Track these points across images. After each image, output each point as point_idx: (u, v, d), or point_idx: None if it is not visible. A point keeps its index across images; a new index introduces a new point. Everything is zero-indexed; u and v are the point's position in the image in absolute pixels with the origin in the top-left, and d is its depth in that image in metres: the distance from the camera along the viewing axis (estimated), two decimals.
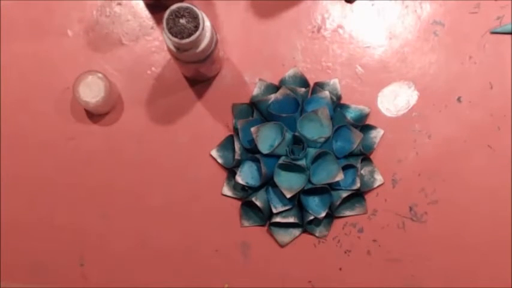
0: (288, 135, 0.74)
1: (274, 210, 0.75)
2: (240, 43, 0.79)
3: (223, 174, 0.78)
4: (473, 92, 0.78)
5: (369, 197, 0.78)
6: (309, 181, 0.74)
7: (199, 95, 0.79)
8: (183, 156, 0.78)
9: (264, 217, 0.77)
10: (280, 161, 0.74)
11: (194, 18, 0.63)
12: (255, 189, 0.76)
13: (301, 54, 0.79)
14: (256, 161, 0.75)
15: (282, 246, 0.78)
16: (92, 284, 0.78)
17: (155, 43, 0.79)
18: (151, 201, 0.78)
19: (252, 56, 0.79)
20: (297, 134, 0.74)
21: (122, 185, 0.78)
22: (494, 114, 0.78)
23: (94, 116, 0.78)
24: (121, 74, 0.79)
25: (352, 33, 0.79)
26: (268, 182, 0.76)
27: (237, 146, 0.76)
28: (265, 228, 0.78)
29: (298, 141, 0.74)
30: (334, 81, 0.78)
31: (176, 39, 0.63)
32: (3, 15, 0.79)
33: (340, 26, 0.79)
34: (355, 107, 0.78)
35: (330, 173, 0.73)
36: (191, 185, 0.78)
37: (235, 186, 0.77)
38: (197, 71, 0.74)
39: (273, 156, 0.74)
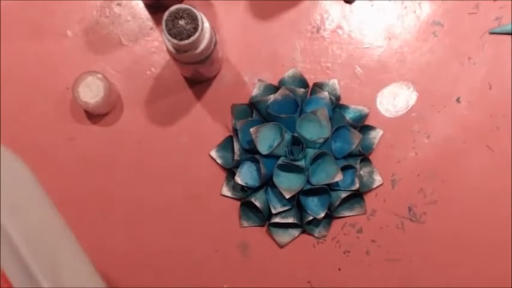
0: (287, 136, 0.74)
1: (274, 211, 0.75)
2: (239, 44, 0.79)
3: (222, 175, 0.78)
4: (472, 92, 0.78)
5: (368, 198, 0.78)
6: (308, 182, 0.74)
7: (199, 95, 0.79)
8: (183, 156, 0.78)
9: (263, 217, 0.77)
10: (279, 161, 0.74)
11: (193, 19, 0.63)
12: (254, 190, 0.76)
13: (301, 55, 0.79)
14: (256, 161, 0.75)
15: (281, 246, 0.78)
16: None
17: (155, 44, 0.79)
18: (151, 202, 0.78)
19: (251, 56, 0.79)
20: (296, 134, 0.74)
21: (121, 185, 0.78)
22: (494, 114, 0.78)
23: (93, 116, 0.79)
24: (120, 75, 0.79)
25: (351, 33, 0.79)
26: (267, 183, 0.76)
27: (236, 146, 0.76)
28: (265, 228, 0.78)
29: (297, 142, 0.74)
30: (333, 82, 0.78)
31: (175, 41, 0.63)
32: (3, 15, 0.79)
33: (339, 27, 0.79)
34: (354, 108, 0.78)
35: (329, 173, 0.74)
36: (190, 186, 0.78)
37: (235, 187, 0.78)
38: (196, 72, 0.74)
39: (272, 156, 0.74)
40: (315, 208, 0.75)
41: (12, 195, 0.52)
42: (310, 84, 0.78)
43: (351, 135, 0.75)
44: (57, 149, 0.78)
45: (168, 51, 0.67)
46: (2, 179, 0.51)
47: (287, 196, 0.73)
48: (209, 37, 0.66)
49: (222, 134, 0.78)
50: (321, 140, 0.74)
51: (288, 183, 0.74)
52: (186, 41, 0.63)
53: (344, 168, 0.75)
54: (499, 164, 0.78)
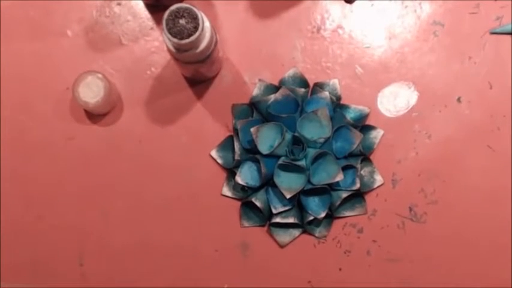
0: (288, 136, 0.74)
1: (274, 211, 0.75)
2: (240, 43, 0.79)
3: (223, 175, 0.78)
4: (473, 92, 0.78)
5: (368, 198, 0.78)
6: (309, 181, 0.74)
7: (199, 95, 0.79)
8: (183, 156, 0.78)
9: (264, 217, 0.77)
10: (280, 161, 0.74)
11: (194, 18, 0.63)
12: (254, 190, 0.76)
13: (301, 55, 0.79)
14: (256, 161, 0.75)
15: (281, 246, 0.78)
16: (91, 284, 0.78)
17: (155, 43, 0.79)
18: (151, 202, 0.78)
19: (252, 56, 0.79)
20: (296, 134, 0.74)
21: (122, 185, 0.78)
22: (494, 114, 0.78)
23: (93, 116, 0.78)
24: (120, 74, 0.79)
25: (351, 33, 0.79)
26: (268, 183, 0.76)
27: (236, 146, 0.76)
28: (265, 228, 0.78)
29: (298, 142, 0.74)
30: (334, 82, 0.78)
31: (176, 40, 0.63)
32: (3, 15, 0.79)
33: (339, 26, 0.79)
34: (354, 108, 0.78)
35: (330, 173, 0.73)
36: (191, 186, 0.78)
37: (235, 187, 0.77)
38: (197, 72, 0.74)
39: (272, 156, 0.74)
40: (316, 208, 0.75)
41: None
42: (311, 84, 0.78)
43: (351, 135, 0.75)
44: (57, 148, 0.78)
45: (169, 50, 0.67)
46: None
47: (288, 196, 0.73)
48: (209, 36, 0.66)
49: (222, 133, 0.78)
50: (321, 140, 0.74)
51: (289, 183, 0.74)
52: (187, 40, 0.63)
53: (345, 168, 0.75)
54: (500, 163, 0.78)
